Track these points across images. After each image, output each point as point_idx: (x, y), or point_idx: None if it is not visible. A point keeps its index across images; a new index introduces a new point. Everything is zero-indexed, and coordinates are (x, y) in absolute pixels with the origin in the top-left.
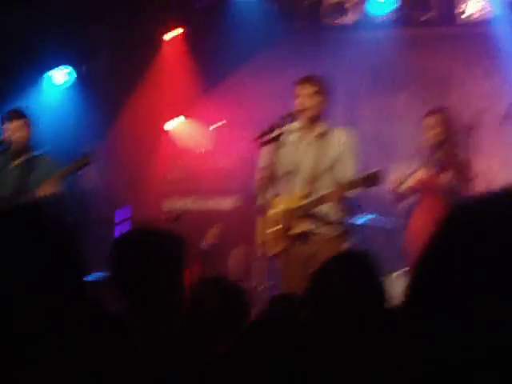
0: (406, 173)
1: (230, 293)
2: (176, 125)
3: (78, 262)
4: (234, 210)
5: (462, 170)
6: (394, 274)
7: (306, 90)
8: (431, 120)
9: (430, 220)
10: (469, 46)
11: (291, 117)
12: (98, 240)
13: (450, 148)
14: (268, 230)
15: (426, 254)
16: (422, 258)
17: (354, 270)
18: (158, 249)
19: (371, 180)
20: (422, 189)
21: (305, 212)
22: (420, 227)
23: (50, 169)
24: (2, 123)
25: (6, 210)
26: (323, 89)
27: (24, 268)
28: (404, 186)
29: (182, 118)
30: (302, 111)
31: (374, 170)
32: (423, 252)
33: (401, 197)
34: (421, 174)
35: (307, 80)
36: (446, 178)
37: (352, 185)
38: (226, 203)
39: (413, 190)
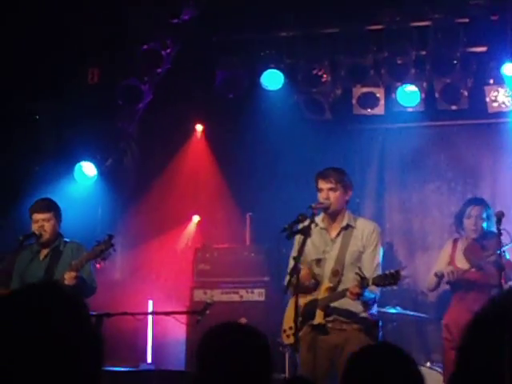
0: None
1: None
2: (196, 222)
3: (96, 351)
4: (261, 302)
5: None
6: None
7: (328, 184)
8: (478, 210)
9: (468, 315)
10: (498, 136)
11: (318, 207)
12: (124, 333)
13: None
14: (293, 318)
15: None
16: None
17: (387, 362)
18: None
19: (390, 279)
20: (463, 280)
21: (326, 304)
22: (457, 321)
23: (77, 255)
24: (31, 214)
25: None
26: (344, 182)
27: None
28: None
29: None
30: (325, 204)
31: (394, 270)
32: None
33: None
34: (461, 265)
35: (328, 174)
36: (488, 274)
37: (372, 282)
38: (253, 295)
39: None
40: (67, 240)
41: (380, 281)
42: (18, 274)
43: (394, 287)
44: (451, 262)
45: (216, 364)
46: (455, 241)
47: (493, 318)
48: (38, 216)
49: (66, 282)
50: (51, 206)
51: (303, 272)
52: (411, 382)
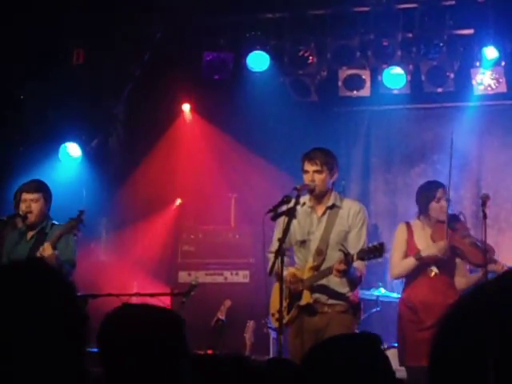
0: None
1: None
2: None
3: (80, 332)
4: (246, 284)
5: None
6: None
7: (314, 166)
8: (444, 192)
9: (438, 296)
10: (484, 119)
11: (303, 189)
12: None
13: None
14: (279, 301)
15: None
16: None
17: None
18: (151, 328)
19: (375, 251)
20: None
21: (312, 284)
22: (427, 303)
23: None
24: (20, 193)
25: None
26: (330, 164)
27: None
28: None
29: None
30: (310, 186)
31: (378, 243)
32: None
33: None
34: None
35: (314, 156)
36: (466, 256)
37: (357, 257)
38: (237, 277)
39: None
40: (55, 222)
41: (364, 254)
42: (6, 255)
43: (379, 260)
44: (410, 246)
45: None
46: (408, 225)
47: (476, 310)
48: (26, 196)
49: (41, 255)
50: (41, 188)
51: (288, 275)
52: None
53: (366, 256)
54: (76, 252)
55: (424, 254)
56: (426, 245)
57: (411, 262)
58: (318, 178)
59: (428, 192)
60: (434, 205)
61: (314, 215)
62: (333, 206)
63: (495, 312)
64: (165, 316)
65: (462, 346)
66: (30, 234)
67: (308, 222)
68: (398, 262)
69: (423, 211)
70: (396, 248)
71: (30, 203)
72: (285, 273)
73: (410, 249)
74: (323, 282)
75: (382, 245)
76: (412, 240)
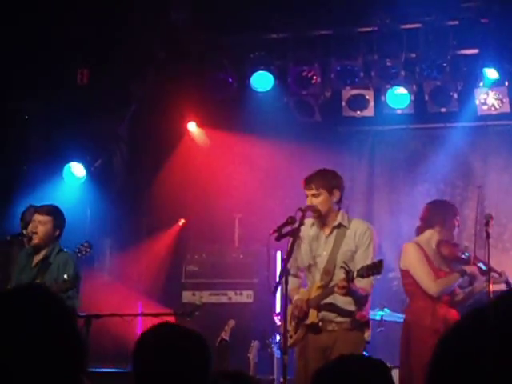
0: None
1: None
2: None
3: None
4: (250, 304)
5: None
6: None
7: (310, 191)
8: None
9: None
10: (488, 139)
11: (307, 210)
12: (113, 334)
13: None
14: (289, 320)
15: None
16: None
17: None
18: (183, 347)
19: (373, 269)
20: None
21: (318, 302)
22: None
23: (63, 270)
24: (33, 213)
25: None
26: (328, 186)
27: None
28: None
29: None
30: (312, 209)
31: (377, 260)
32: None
33: None
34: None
35: (310, 181)
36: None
37: (357, 274)
38: (241, 297)
39: None
40: (62, 248)
41: (364, 272)
42: (14, 278)
43: (378, 276)
44: (431, 266)
45: (154, 364)
46: (418, 244)
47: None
48: (36, 216)
49: None
50: (52, 212)
51: (297, 302)
52: None
53: (365, 273)
54: (77, 296)
55: (467, 270)
56: (438, 262)
57: (457, 277)
58: (316, 201)
59: (453, 209)
60: (454, 222)
61: (322, 235)
62: (339, 226)
63: (494, 335)
64: (198, 340)
65: (461, 367)
66: (36, 259)
67: (316, 243)
68: (432, 278)
69: (445, 225)
70: (421, 265)
71: (38, 225)
72: (296, 296)
73: (433, 267)
74: (331, 300)
75: (380, 262)
76: (428, 258)
